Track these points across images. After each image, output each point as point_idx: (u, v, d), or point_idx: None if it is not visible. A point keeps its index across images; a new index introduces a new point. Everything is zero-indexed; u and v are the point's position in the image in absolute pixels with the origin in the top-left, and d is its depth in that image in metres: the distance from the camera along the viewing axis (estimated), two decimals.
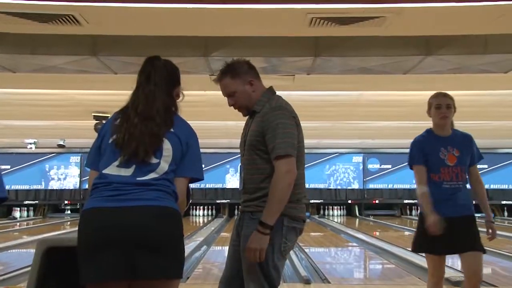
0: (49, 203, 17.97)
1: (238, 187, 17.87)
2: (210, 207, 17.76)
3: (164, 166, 2.05)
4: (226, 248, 8.70)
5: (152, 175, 2.02)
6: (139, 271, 1.92)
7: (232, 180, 17.80)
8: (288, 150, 2.34)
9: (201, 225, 14.53)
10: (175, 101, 2.25)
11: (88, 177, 2.20)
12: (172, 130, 2.10)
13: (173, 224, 2.01)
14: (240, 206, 2.57)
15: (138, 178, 2.01)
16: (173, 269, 2.01)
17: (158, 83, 2.17)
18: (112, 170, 2.04)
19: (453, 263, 7.87)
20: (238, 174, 17.99)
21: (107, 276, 1.93)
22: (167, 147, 2.06)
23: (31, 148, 14.63)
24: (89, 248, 1.96)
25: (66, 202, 17.86)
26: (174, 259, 2.01)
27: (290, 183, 2.32)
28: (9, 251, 8.36)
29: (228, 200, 17.72)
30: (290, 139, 2.37)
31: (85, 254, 1.97)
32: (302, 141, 2.49)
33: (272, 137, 2.36)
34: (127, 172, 2.02)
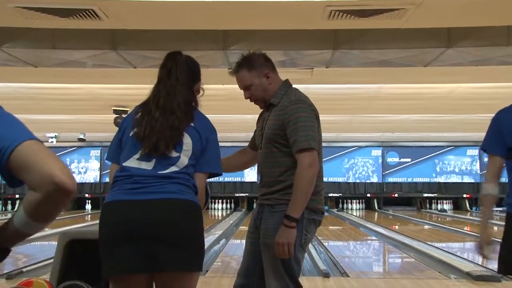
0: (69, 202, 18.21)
1: (255, 181, 17.86)
2: (228, 200, 17.83)
3: (184, 160, 2.05)
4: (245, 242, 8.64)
5: (172, 168, 2.03)
6: (160, 264, 1.93)
7: (251, 174, 17.81)
8: (310, 143, 2.34)
9: (219, 218, 14.59)
10: (196, 96, 2.26)
11: (109, 171, 2.22)
12: (192, 124, 2.10)
13: (193, 218, 2.02)
14: (258, 199, 2.56)
15: (159, 172, 2.01)
16: (193, 262, 2.02)
17: (179, 78, 2.18)
18: (133, 163, 2.04)
19: (474, 257, 7.80)
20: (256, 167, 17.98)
21: (128, 269, 1.95)
22: (187, 141, 2.07)
23: (52, 142, 14.82)
24: (110, 241, 1.97)
25: (87, 195, 18.09)
26: (194, 253, 2.02)
27: (313, 176, 2.32)
28: (31, 243, 8.50)
29: (247, 194, 17.77)
30: (312, 132, 2.37)
31: (106, 247, 1.98)
32: (320, 134, 2.48)
33: (293, 131, 2.36)
34: (148, 165, 2.03)
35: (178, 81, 2.17)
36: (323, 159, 2.50)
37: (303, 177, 2.31)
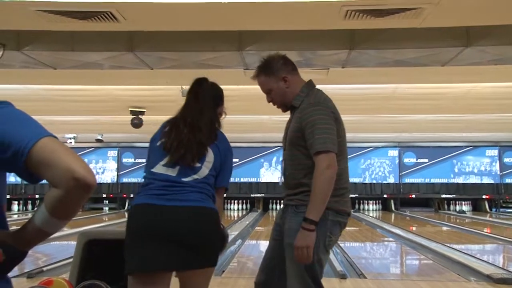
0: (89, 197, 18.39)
1: (272, 181, 17.89)
2: (244, 201, 17.85)
3: (205, 170, 2.32)
4: (261, 242, 8.79)
5: (194, 177, 2.29)
6: (181, 264, 2.19)
7: (267, 174, 17.83)
8: (327, 145, 2.32)
9: (235, 219, 14.61)
10: (219, 118, 2.51)
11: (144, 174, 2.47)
12: (215, 142, 2.39)
13: (212, 223, 2.28)
14: (283, 200, 2.57)
15: (182, 178, 2.27)
16: (210, 260, 2.28)
17: (205, 101, 2.47)
18: (159, 169, 2.30)
19: (494, 260, 7.69)
20: (272, 168, 17.99)
21: (152, 267, 2.15)
22: (209, 155, 2.35)
23: (71, 142, 14.99)
24: (137, 241, 2.18)
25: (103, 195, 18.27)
26: (211, 253, 2.28)
27: (331, 177, 2.30)
28: (51, 243, 8.60)
29: (263, 194, 17.77)
30: (329, 134, 2.35)
31: (133, 246, 2.18)
32: (343, 135, 2.47)
33: (310, 133, 2.36)
34: (172, 172, 2.28)
35: (204, 103, 2.46)
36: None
37: (320, 179, 2.29)
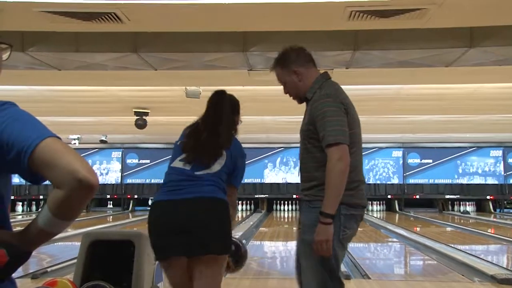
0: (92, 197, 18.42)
1: (276, 181, 17.90)
2: (248, 202, 17.85)
3: (217, 167, 2.60)
4: (265, 243, 8.76)
5: (206, 171, 2.57)
6: (194, 251, 2.48)
7: (271, 175, 17.83)
8: (338, 137, 2.31)
9: (239, 220, 14.62)
10: (236, 126, 2.82)
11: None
12: (230, 148, 2.69)
13: (223, 213, 2.55)
14: (300, 195, 2.60)
15: (196, 172, 2.56)
16: (222, 248, 2.54)
17: (224, 110, 2.75)
18: (177, 164, 2.62)
19: (498, 260, 7.67)
20: (276, 169, 17.99)
21: (171, 254, 2.50)
22: (223, 156, 2.64)
23: (75, 143, 15.03)
24: (157, 234, 2.52)
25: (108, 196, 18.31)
26: (223, 240, 2.54)
27: (343, 170, 2.29)
28: (55, 243, 8.62)
29: (267, 195, 17.77)
30: (339, 126, 2.34)
31: (154, 239, 2.53)
32: (356, 127, 2.45)
33: (321, 126, 2.36)
34: (188, 166, 2.59)
35: (224, 111, 2.75)
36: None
37: (332, 172, 2.29)
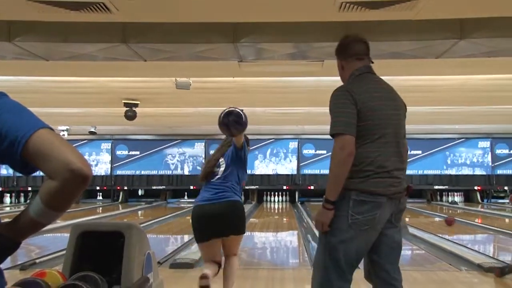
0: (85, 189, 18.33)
1: (266, 173, 17.93)
2: None
3: (222, 168, 3.99)
4: (255, 234, 8.79)
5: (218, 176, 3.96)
6: (224, 233, 3.84)
7: (261, 166, 17.86)
8: (338, 128, 2.41)
9: None
10: (246, 139, 4.13)
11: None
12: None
13: (240, 209, 3.96)
14: None
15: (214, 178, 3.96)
16: (240, 230, 3.95)
17: (237, 132, 3.87)
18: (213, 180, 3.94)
19: (485, 249, 7.76)
20: (266, 160, 18.01)
21: (210, 237, 3.82)
22: (224, 159, 4.01)
23: (64, 135, 14.93)
24: (197, 226, 3.86)
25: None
26: (241, 225, 3.95)
27: (343, 159, 2.39)
28: (44, 235, 8.59)
29: (257, 186, 17.80)
30: (342, 117, 2.43)
31: (196, 228, 3.87)
32: (373, 119, 2.46)
33: (331, 117, 2.48)
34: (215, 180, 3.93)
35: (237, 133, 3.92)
36: None
37: (333, 160, 2.42)
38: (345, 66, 2.65)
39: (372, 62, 2.69)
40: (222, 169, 3.88)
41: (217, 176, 3.86)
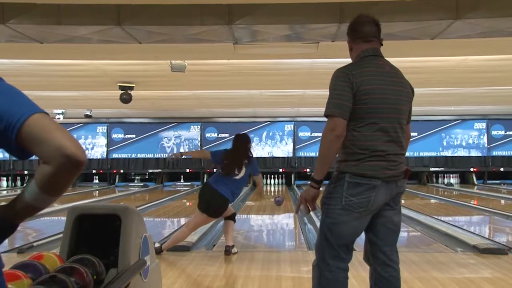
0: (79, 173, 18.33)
1: (262, 155, 17.96)
2: None
3: (241, 174, 5.33)
4: (251, 217, 8.86)
5: (237, 177, 5.33)
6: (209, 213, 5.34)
7: (257, 149, 17.86)
8: (329, 110, 2.43)
9: None
10: (250, 151, 5.48)
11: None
12: (247, 162, 5.40)
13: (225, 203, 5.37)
14: None
15: (233, 177, 5.30)
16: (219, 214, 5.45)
17: (241, 149, 5.42)
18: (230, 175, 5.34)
19: (480, 231, 7.83)
20: (262, 143, 18.02)
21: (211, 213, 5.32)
22: (244, 170, 5.36)
23: (59, 118, 14.88)
24: (205, 201, 5.29)
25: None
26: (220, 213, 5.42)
27: (332, 140, 2.41)
28: (40, 218, 8.61)
29: None
30: (336, 100, 2.44)
31: (202, 201, 5.32)
32: (368, 102, 2.45)
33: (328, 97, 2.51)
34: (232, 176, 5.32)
35: (240, 152, 5.39)
36: None
37: (321, 141, 2.45)
38: (353, 47, 2.65)
39: (382, 45, 2.66)
40: (241, 175, 5.34)
41: (235, 178, 5.32)
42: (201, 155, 5.96)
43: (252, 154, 5.44)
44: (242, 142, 5.43)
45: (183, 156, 5.92)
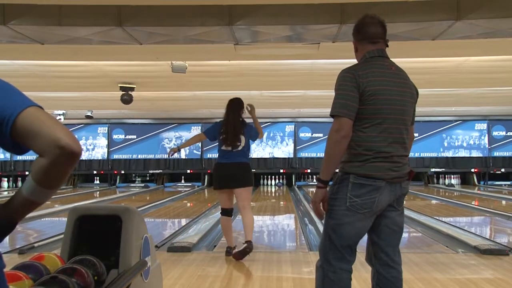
0: (79, 173, 18.37)
1: (263, 156, 17.96)
2: None
3: (242, 144, 5.30)
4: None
5: (238, 149, 5.29)
6: (235, 185, 5.25)
7: (258, 150, 17.87)
8: (336, 110, 2.43)
9: None
10: (241, 117, 5.41)
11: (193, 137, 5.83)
12: (245, 130, 5.35)
13: (247, 169, 5.35)
14: None
15: (233, 150, 5.28)
16: (248, 184, 5.33)
17: (235, 113, 5.38)
18: (223, 147, 5.33)
19: (481, 232, 7.82)
20: (263, 143, 18.02)
21: (224, 187, 5.31)
22: (242, 140, 5.31)
23: (60, 119, 14.88)
24: (217, 179, 5.31)
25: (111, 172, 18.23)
26: (249, 180, 5.34)
27: (338, 140, 2.40)
28: (42, 219, 8.61)
29: (253, 170, 17.75)
30: (342, 100, 2.42)
31: (216, 180, 5.32)
32: (375, 103, 2.45)
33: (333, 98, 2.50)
34: (229, 148, 5.30)
35: (235, 115, 5.37)
36: None
37: (327, 141, 2.44)
38: (359, 48, 2.64)
39: (387, 46, 2.66)
40: (242, 145, 5.34)
41: (237, 149, 5.33)
42: (196, 140, 5.71)
43: (244, 119, 5.34)
44: (233, 111, 5.31)
45: (181, 149, 5.84)
